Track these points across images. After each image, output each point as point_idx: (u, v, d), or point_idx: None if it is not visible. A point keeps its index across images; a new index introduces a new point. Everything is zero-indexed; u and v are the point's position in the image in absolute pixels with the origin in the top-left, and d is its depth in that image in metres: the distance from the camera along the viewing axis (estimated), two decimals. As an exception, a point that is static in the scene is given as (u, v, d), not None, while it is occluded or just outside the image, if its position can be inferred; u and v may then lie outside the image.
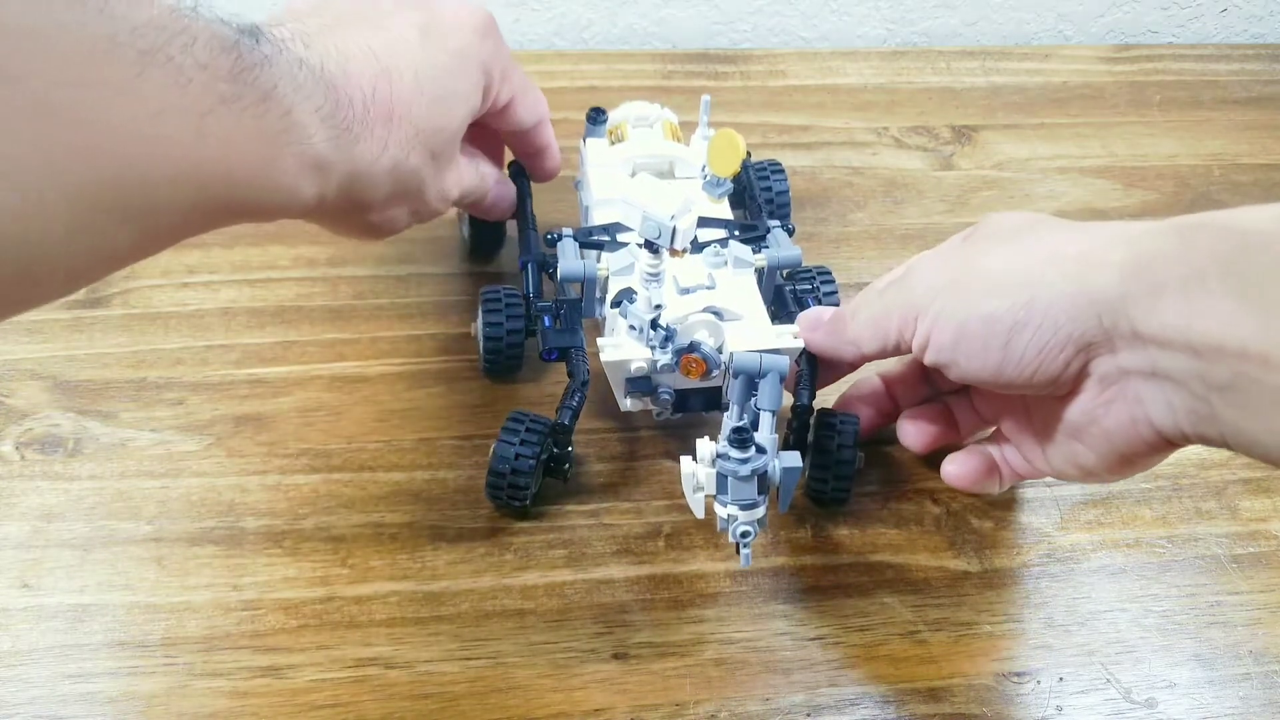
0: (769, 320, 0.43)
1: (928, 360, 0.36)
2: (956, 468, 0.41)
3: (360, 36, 0.36)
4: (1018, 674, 0.39)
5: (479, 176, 0.45)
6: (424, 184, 0.39)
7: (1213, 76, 0.73)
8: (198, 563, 0.40)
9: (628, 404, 0.43)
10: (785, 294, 0.46)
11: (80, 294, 0.50)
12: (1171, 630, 0.41)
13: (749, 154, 0.44)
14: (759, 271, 0.45)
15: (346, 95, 0.34)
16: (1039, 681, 0.39)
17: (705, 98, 0.49)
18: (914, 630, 0.40)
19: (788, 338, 0.42)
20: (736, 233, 0.45)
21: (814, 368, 0.43)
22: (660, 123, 0.51)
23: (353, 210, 0.37)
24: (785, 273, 0.46)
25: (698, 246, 0.44)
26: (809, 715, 0.38)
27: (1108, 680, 0.39)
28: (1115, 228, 0.32)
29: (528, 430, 0.40)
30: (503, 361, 0.46)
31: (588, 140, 0.51)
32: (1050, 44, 0.78)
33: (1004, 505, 0.45)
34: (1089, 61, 0.74)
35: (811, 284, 0.47)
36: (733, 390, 0.39)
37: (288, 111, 0.31)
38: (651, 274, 0.39)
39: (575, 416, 0.41)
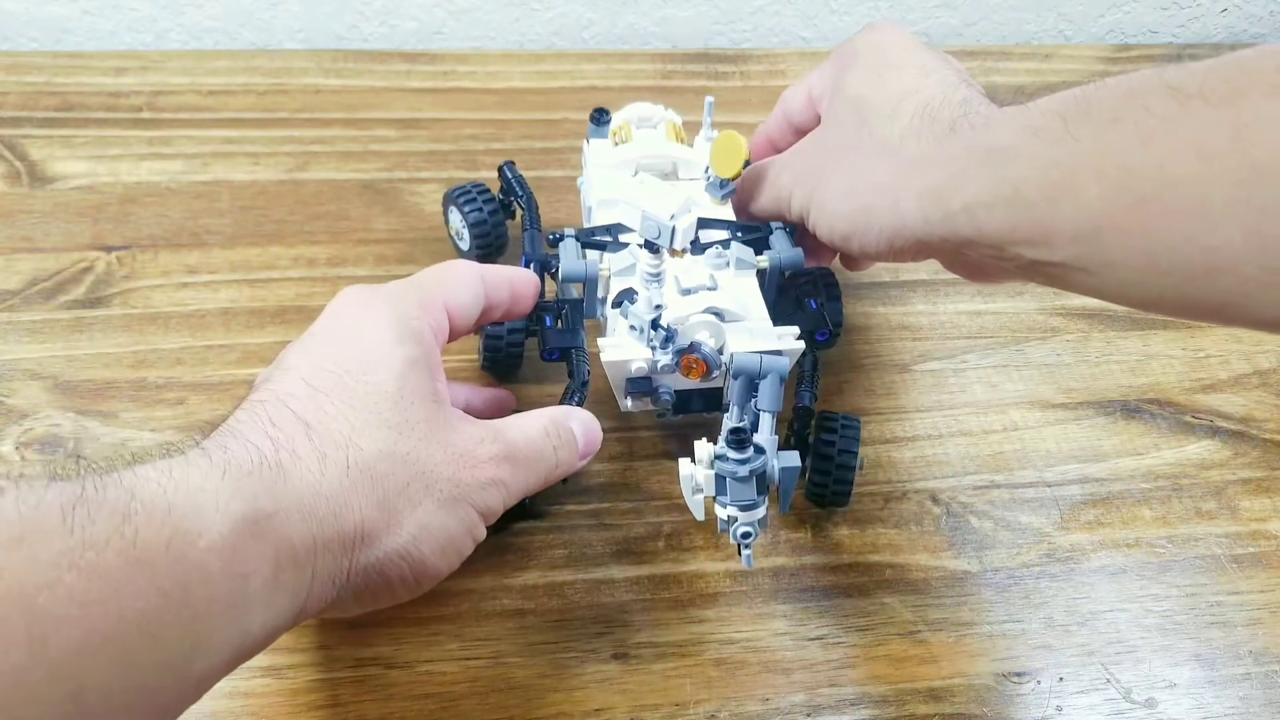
0: (771, 322, 0.43)
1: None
2: None
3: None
4: (1018, 674, 0.39)
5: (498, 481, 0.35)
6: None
7: (1213, 76, 0.73)
8: (198, 562, 0.40)
9: (628, 404, 0.43)
10: (787, 296, 0.46)
11: (80, 293, 0.50)
12: (1171, 630, 0.41)
13: (750, 155, 0.45)
14: (761, 273, 0.45)
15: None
16: (1039, 681, 0.39)
17: (709, 99, 0.49)
18: (914, 630, 0.40)
19: (789, 339, 0.42)
20: (739, 234, 0.45)
21: (816, 369, 0.43)
22: (664, 124, 0.51)
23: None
24: (787, 274, 0.46)
25: (700, 248, 0.44)
26: (809, 715, 0.38)
27: (1108, 680, 0.39)
28: (917, 150, 0.37)
29: None
30: (503, 360, 0.46)
31: (591, 141, 0.51)
32: (1050, 44, 0.78)
33: (1004, 505, 0.45)
34: (1089, 61, 0.74)
35: (814, 286, 0.47)
36: (733, 391, 0.39)
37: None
38: (652, 274, 0.39)
39: None
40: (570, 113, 0.64)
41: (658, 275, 0.39)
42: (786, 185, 0.43)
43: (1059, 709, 0.38)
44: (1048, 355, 0.52)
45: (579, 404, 0.41)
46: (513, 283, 0.41)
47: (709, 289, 0.42)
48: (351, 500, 0.31)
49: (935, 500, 0.45)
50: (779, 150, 0.46)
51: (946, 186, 0.34)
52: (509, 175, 0.52)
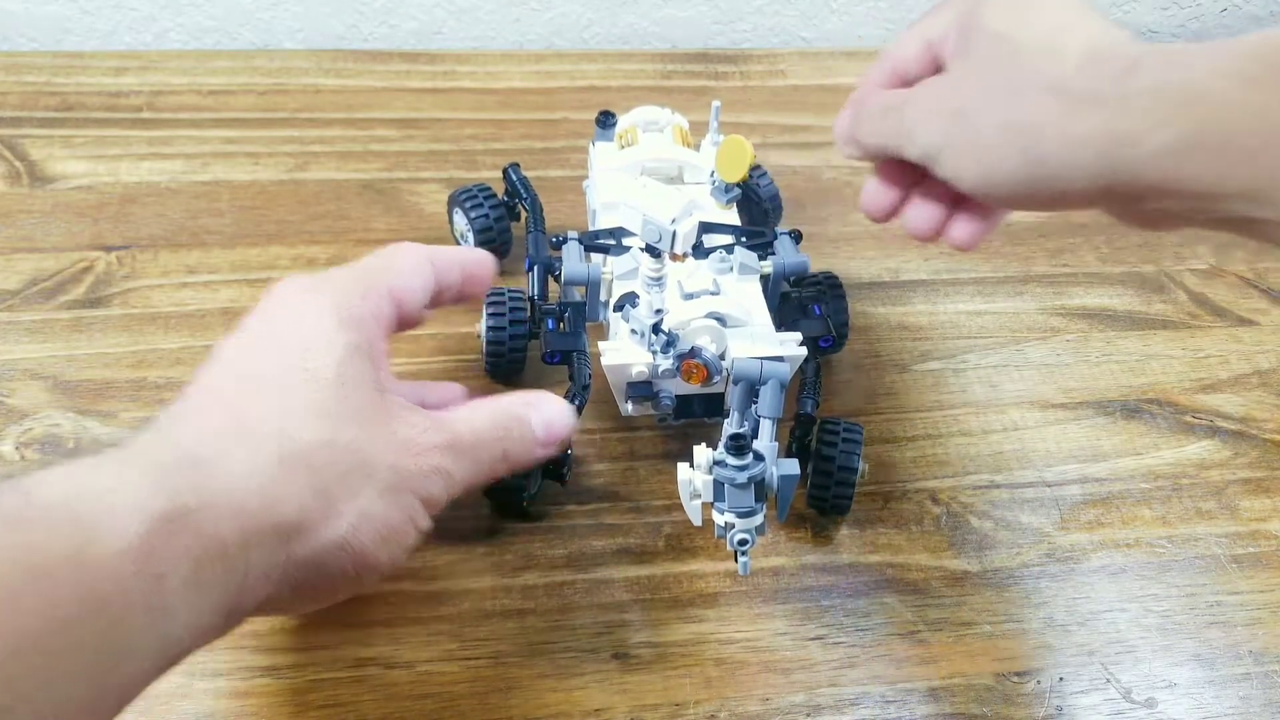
0: (773, 327, 0.42)
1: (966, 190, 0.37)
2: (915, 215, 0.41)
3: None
4: (1018, 674, 0.39)
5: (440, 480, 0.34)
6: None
7: (1213, 76, 0.73)
8: (198, 563, 0.40)
9: (629, 408, 0.43)
10: (791, 301, 0.46)
11: (80, 293, 0.50)
12: (1171, 630, 0.41)
13: (756, 159, 0.44)
14: (765, 278, 0.45)
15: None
16: (1039, 681, 0.39)
17: (715, 103, 0.49)
18: (914, 630, 0.40)
19: (791, 345, 0.41)
20: (743, 239, 0.45)
21: (818, 376, 0.43)
22: (670, 127, 0.51)
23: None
24: (792, 279, 0.46)
25: (703, 252, 0.44)
26: (809, 715, 0.38)
27: (1108, 680, 0.39)
28: (1091, 88, 0.34)
29: None
30: (505, 363, 0.46)
31: (597, 144, 0.51)
32: (1050, 44, 0.78)
33: (1004, 505, 0.45)
34: (1089, 61, 0.74)
35: (819, 291, 0.47)
36: (733, 397, 0.39)
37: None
38: (654, 278, 0.39)
39: None
40: (570, 113, 0.64)
41: (659, 279, 0.39)
42: (910, 122, 0.39)
43: (1059, 709, 0.38)
44: (1048, 355, 0.52)
45: (579, 407, 0.41)
46: (464, 265, 0.39)
47: (711, 293, 0.42)
48: (286, 491, 0.30)
49: (935, 500, 0.45)
50: None
51: (1135, 129, 0.32)
52: (514, 178, 0.52)
